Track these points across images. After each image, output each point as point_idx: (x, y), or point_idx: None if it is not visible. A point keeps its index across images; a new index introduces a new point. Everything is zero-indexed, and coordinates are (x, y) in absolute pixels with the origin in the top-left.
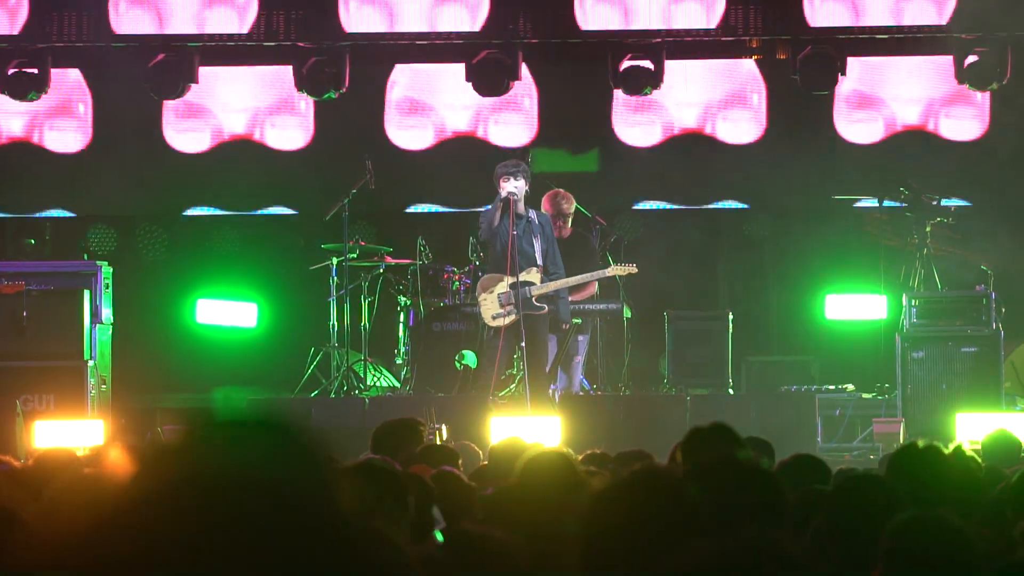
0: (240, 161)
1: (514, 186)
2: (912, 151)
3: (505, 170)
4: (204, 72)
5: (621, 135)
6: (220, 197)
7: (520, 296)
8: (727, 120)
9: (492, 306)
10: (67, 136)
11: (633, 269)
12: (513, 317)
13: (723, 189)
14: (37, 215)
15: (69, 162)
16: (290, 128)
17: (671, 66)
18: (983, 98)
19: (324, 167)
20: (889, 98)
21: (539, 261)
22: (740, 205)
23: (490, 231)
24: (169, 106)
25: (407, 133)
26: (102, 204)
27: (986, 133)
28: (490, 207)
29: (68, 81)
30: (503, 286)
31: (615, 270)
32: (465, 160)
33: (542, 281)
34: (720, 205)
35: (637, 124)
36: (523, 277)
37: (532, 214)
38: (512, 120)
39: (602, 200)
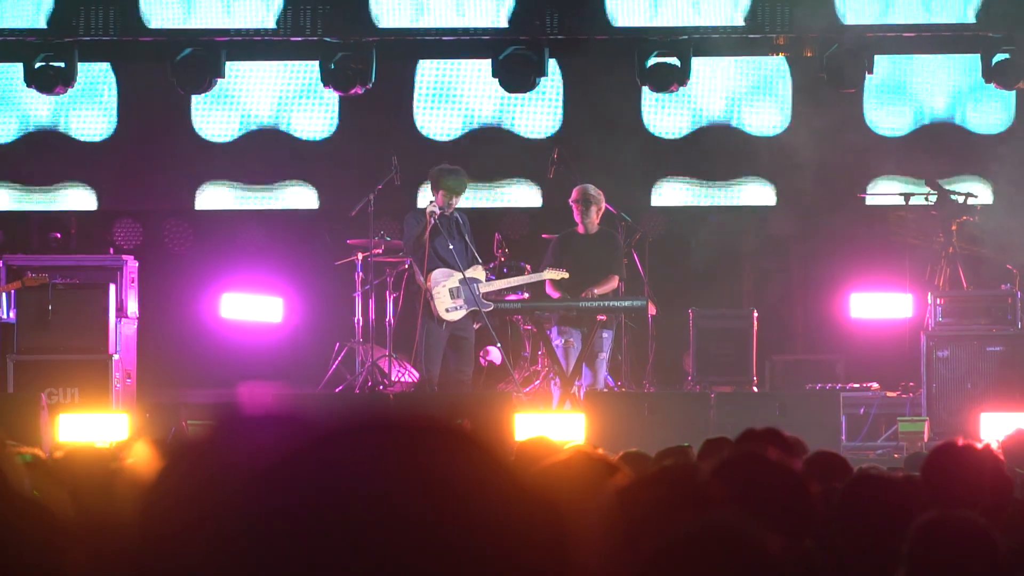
0: (266, 148)
1: (433, 207)
2: (940, 142)
3: (436, 177)
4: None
5: (649, 124)
6: (242, 176)
7: (472, 293)
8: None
9: (445, 300)
10: (93, 122)
11: (565, 274)
12: (464, 311)
13: (749, 169)
14: (59, 189)
15: (94, 148)
16: (316, 116)
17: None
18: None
19: (350, 156)
20: (918, 88)
21: (478, 259)
22: (766, 184)
23: (418, 248)
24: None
25: (435, 122)
26: (126, 188)
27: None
28: (413, 218)
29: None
30: (454, 281)
31: (549, 273)
32: (491, 149)
33: (487, 278)
34: (744, 185)
35: (665, 113)
36: (470, 274)
37: (457, 215)
38: (537, 109)
39: (628, 185)
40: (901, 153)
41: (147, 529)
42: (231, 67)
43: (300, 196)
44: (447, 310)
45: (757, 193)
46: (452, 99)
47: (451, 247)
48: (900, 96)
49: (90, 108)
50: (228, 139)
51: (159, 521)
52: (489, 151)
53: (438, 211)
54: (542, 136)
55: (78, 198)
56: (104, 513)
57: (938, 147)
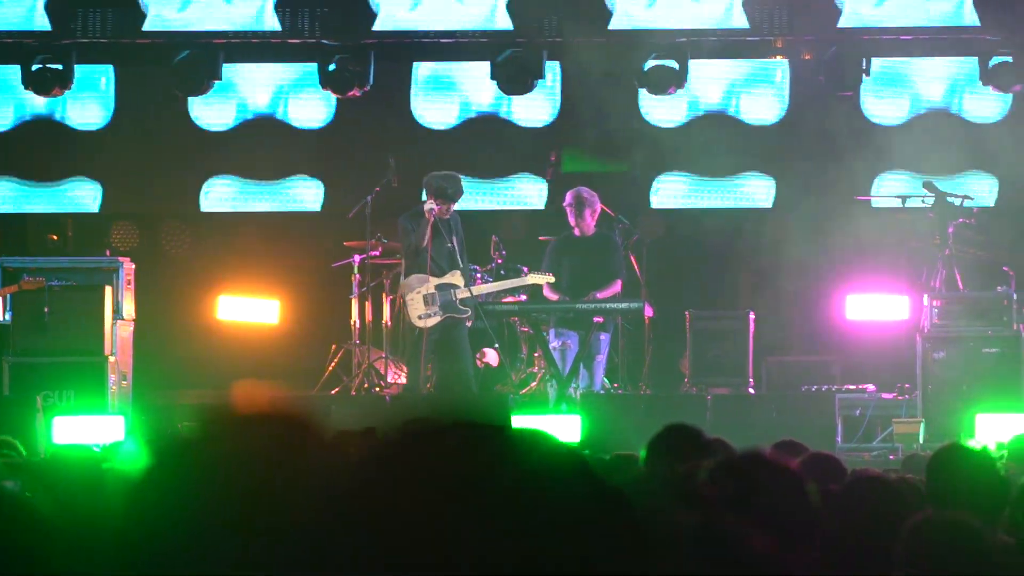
0: (263, 137)
1: (431, 204)
2: (936, 131)
3: (434, 184)
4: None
5: (645, 112)
6: (243, 170)
7: (446, 299)
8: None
9: (418, 306)
10: (90, 110)
11: (550, 278)
12: (438, 318)
13: (748, 163)
14: (60, 185)
15: (92, 137)
16: (313, 104)
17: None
18: None
19: (347, 144)
20: (915, 76)
21: (460, 264)
22: (766, 178)
23: (418, 251)
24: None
25: (432, 110)
26: (124, 176)
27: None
28: (408, 219)
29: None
30: (429, 287)
31: (533, 278)
32: (489, 138)
33: (465, 284)
34: (744, 181)
35: (663, 102)
36: (447, 280)
37: (448, 217)
38: (535, 98)
39: (626, 184)
40: (899, 143)
41: (132, 527)
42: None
43: (306, 192)
44: (419, 316)
45: (757, 188)
46: (450, 87)
47: (448, 247)
48: (897, 85)
49: (87, 96)
50: (226, 127)
51: (145, 519)
52: (486, 140)
53: (436, 210)
54: (539, 125)
55: (83, 193)
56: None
57: (935, 137)
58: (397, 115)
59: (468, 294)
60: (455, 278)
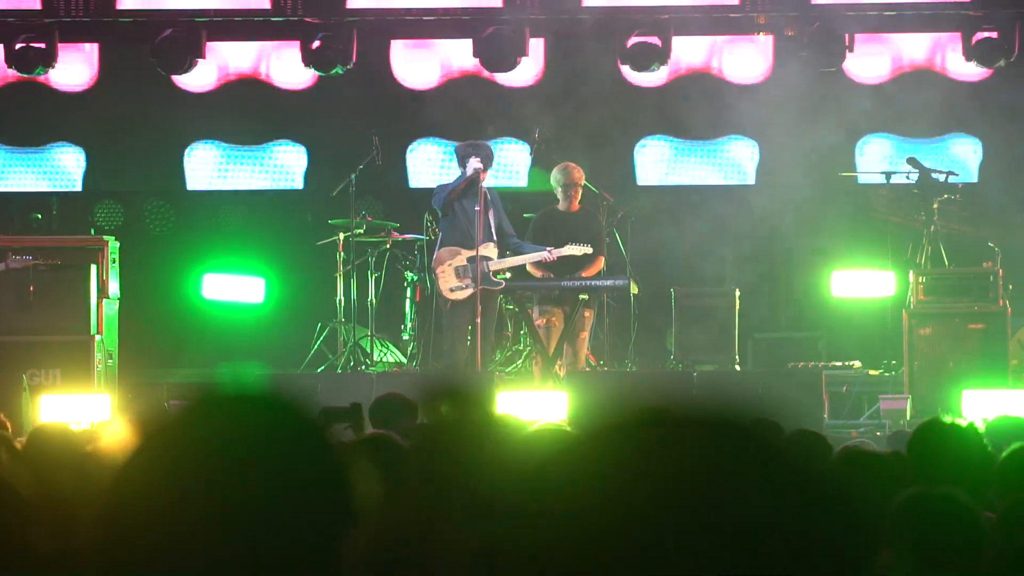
0: (246, 99)
1: (479, 164)
2: (919, 89)
3: (474, 147)
4: None
5: (627, 74)
6: (226, 134)
7: (479, 270)
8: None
9: (450, 279)
10: (72, 72)
11: (588, 249)
12: (470, 291)
13: (730, 126)
14: (43, 151)
15: (75, 99)
16: (296, 64)
17: None
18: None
19: (331, 104)
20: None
21: (493, 237)
22: (749, 141)
23: (447, 202)
24: None
25: (413, 70)
26: (108, 140)
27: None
28: (451, 182)
29: None
30: (461, 259)
31: (570, 249)
32: (471, 98)
33: (498, 256)
34: (727, 144)
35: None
36: (481, 252)
37: (486, 190)
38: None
39: (610, 152)
40: (882, 102)
41: (116, 507)
42: None
43: (289, 157)
44: (451, 289)
45: (740, 150)
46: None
47: (478, 209)
48: (878, 43)
49: (70, 57)
50: (207, 88)
51: (129, 499)
52: (468, 100)
53: (481, 170)
54: (523, 85)
55: (66, 158)
56: (73, 491)
57: (917, 98)
58: (378, 75)
59: (500, 265)
60: (488, 250)
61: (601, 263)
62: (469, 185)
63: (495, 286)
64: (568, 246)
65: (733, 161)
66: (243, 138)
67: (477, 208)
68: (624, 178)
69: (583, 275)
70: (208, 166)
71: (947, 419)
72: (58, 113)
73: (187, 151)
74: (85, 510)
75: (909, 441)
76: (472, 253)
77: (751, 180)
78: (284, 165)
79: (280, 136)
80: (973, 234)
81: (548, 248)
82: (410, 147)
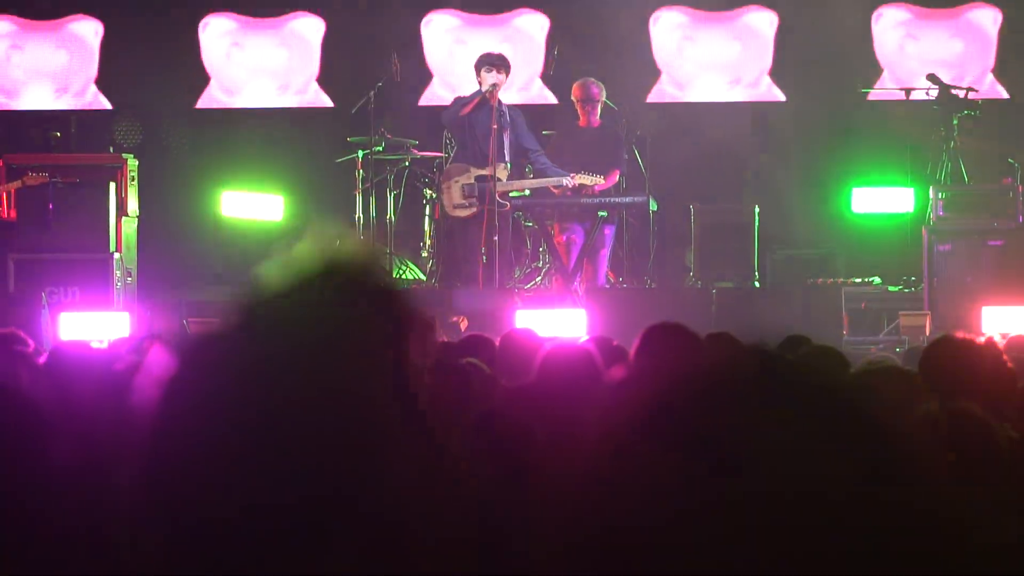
0: None
1: (496, 79)
2: None
3: (489, 61)
4: None
5: None
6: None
7: (488, 190)
8: None
9: (455, 195)
10: None
11: (600, 180)
12: (474, 209)
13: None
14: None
15: None
16: None
17: None
18: None
19: None
20: None
21: (507, 157)
22: (767, 12)
23: (457, 119)
24: None
25: None
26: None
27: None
28: (466, 96)
29: None
30: (468, 177)
31: (580, 179)
32: None
33: (508, 178)
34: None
35: None
36: (490, 171)
37: (505, 108)
38: None
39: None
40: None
41: (159, 428)
42: None
43: (307, 27)
44: (455, 206)
45: (759, 19)
46: None
47: (493, 127)
48: None
49: None
50: None
51: (171, 418)
52: None
53: (497, 86)
54: None
55: (83, 30)
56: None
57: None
58: None
59: (508, 187)
60: (498, 171)
61: (616, 176)
62: (484, 101)
63: (500, 207)
64: (580, 175)
65: (749, 25)
66: (259, 9)
67: (493, 126)
68: (639, 97)
69: (600, 188)
70: (224, 33)
71: (960, 335)
72: None
73: (201, 25)
74: (118, 433)
75: (921, 358)
76: (482, 172)
77: (769, 60)
78: (301, 31)
79: (297, 7)
80: (993, 150)
81: (570, 175)
82: (424, 20)
